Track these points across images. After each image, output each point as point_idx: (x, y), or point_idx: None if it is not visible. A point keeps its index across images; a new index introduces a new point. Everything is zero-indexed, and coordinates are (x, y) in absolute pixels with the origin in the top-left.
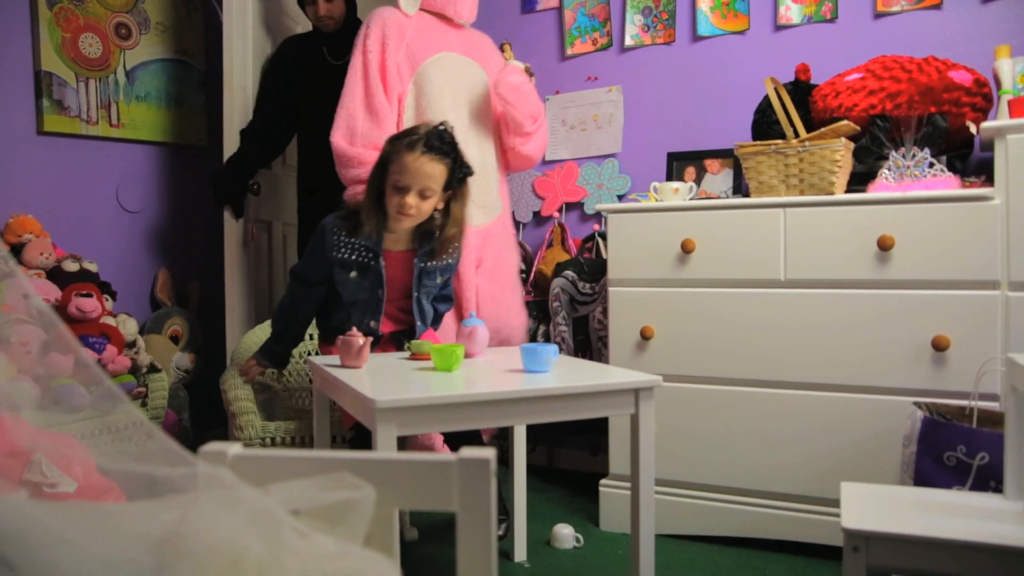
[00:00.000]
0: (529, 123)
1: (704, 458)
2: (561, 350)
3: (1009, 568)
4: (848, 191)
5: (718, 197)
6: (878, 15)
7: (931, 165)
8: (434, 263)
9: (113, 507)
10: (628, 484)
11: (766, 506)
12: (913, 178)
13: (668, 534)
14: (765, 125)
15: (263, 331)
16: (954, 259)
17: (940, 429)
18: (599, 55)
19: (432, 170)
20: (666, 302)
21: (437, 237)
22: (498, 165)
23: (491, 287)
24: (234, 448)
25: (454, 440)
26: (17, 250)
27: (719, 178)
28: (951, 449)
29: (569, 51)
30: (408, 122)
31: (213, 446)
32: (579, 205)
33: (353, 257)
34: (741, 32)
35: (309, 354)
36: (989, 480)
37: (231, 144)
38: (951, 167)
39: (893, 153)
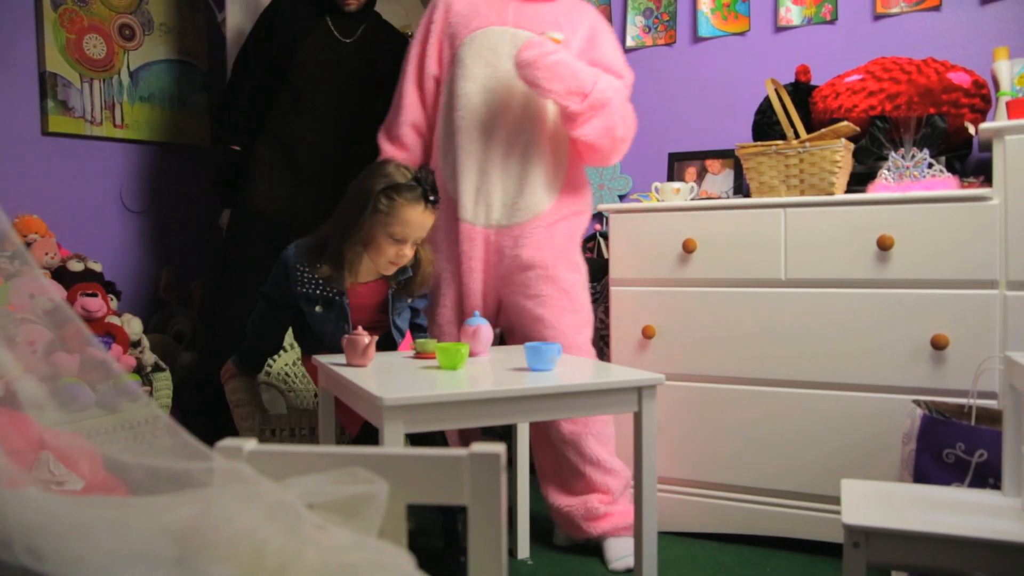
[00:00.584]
0: (574, 101)
1: (705, 456)
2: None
3: (1007, 563)
4: (848, 191)
5: (719, 197)
6: (878, 17)
7: (930, 166)
8: (410, 299)
9: (135, 501)
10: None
11: (767, 503)
12: (912, 178)
13: (670, 531)
14: (766, 126)
15: None
16: (953, 259)
17: (939, 427)
18: None
19: (429, 222)
20: (667, 301)
21: (412, 277)
22: (547, 158)
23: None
24: (250, 443)
25: (419, 442)
26: None
27: (720, 178)
28: (950, 446)
29: None
30: (440, 117)
31: (229, 441)
32: None
33: (317, 292)
34: (742, 33)
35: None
36: (987, 477)
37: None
38: (950, 168)
39: (892, 154)
